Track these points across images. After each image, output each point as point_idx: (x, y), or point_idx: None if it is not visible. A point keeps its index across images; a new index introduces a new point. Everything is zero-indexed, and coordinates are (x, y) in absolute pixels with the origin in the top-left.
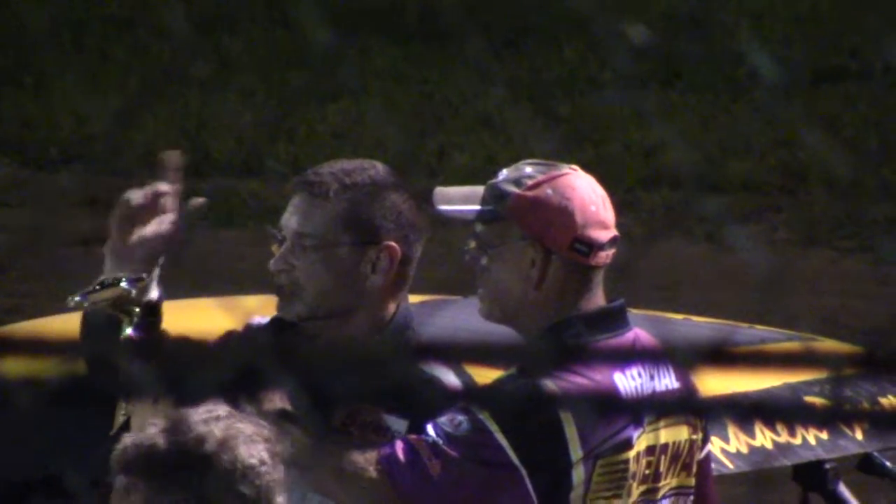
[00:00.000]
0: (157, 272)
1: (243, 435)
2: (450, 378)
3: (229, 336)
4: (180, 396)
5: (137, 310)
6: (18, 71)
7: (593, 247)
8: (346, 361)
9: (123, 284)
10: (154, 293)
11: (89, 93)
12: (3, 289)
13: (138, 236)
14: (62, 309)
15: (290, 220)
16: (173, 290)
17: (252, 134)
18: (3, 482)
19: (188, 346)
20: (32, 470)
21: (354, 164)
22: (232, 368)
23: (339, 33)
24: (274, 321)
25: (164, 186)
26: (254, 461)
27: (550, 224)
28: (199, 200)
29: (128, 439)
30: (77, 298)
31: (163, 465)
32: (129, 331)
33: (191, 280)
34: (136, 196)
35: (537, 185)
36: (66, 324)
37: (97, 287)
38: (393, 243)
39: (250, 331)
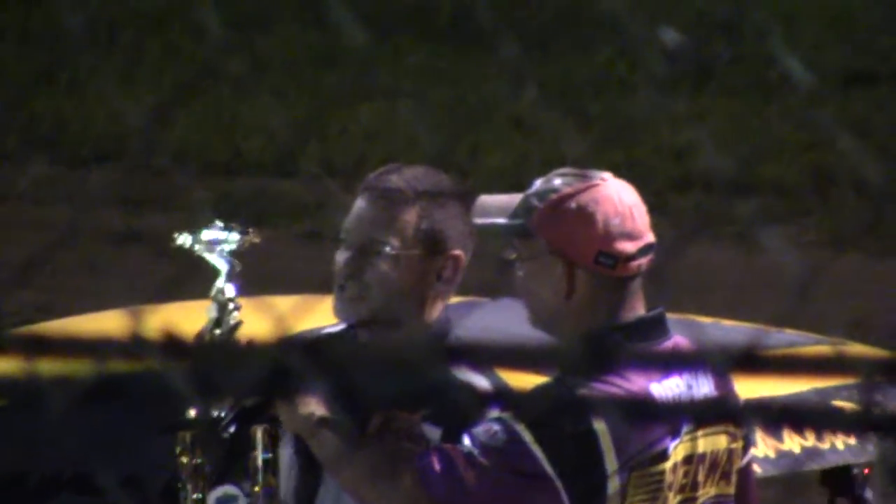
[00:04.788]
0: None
1: None
2: (481, 383)
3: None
4: (213, 397)
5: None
6: (52, 69)
7: (618, 259)
8: (382, 364)
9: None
10: None
11: (123, 91)
12: (35, 285)
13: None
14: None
15: (361, 225)
16: (203, 290)
17: (284, 134)
18: (34, 479)
19: (220, 347)
20: (63, 467)
21: (418, 170)
22: (266, 370)
23: (372, 33)
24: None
25: None
26: None
27: (573, 239)
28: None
29: None
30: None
31: None
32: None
33: None
34: None
35: (561, 200)
36: (99, 322)
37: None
38: (459, 252)
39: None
